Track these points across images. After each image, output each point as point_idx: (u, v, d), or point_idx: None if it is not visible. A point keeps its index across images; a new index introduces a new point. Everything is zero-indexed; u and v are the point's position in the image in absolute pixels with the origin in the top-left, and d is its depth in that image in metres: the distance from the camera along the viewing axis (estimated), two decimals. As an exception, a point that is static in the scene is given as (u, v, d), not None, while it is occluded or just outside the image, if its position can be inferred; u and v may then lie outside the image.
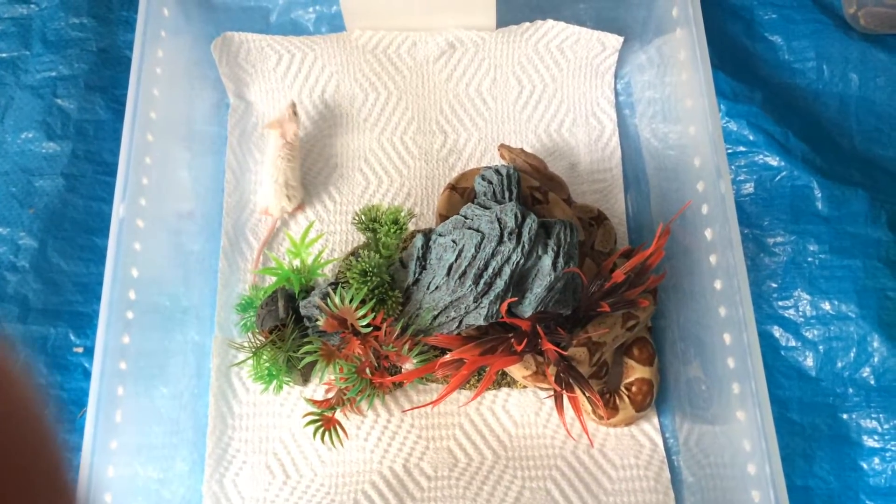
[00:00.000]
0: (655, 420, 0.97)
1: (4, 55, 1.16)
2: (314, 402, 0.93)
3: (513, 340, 0.84)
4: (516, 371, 0.91)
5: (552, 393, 0.88)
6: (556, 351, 0.83)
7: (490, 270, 0.83)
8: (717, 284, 0.81)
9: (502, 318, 0.84)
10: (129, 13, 1.18)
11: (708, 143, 0.84)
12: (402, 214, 0.95)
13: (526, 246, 0.83)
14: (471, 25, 1.10)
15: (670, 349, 0.96)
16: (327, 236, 1.06)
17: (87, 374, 1.01)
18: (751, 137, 1.05)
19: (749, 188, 1.05)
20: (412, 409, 0.97)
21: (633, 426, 0.96)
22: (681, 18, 0.92)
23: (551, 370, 0.85)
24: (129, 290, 0.85)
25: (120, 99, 1.14)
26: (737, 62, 1.12)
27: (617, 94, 1.13)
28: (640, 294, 0.88)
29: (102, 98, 1.14)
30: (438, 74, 1.13)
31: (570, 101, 1.13)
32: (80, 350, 1.02)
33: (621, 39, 1.09)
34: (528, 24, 1.11)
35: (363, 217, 0.95)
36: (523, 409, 0.98)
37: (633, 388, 0.94)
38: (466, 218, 0.88)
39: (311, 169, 1.10)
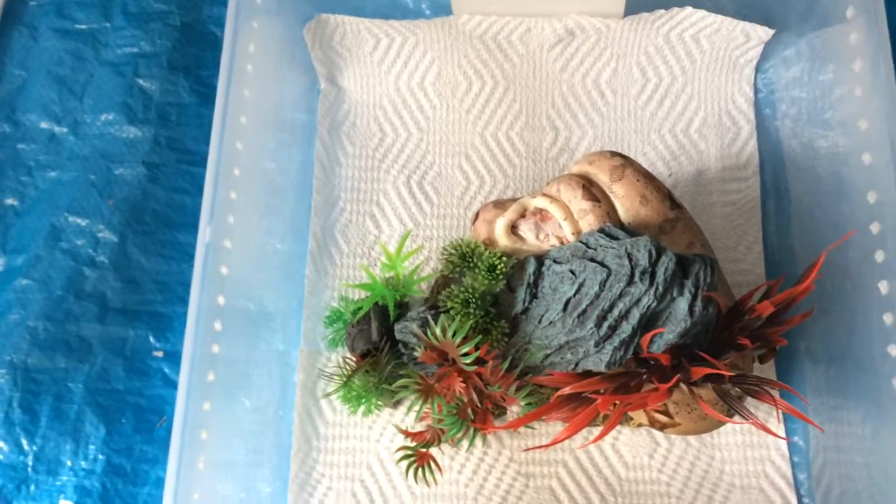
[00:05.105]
0: (789, 474, 0.86)
1: (84, 27, 1.09)
2: (408, 435, 0.85)
3: (648, 376, 0.73)
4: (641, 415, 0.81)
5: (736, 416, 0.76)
6: (716, 378, 0.71)
7: (616, 312, 0.72)
8: (888, 318, 0.69)
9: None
10: (214, -16, 1.09)
11: (888, 146, 0.71)
12: (503, 261, 0.81)
13: (660, 288, 0.71)
14: (595, 11, 0.97)
15: (814, 395, 0.85)
16: (424, 242, 0.97)
17: (166, 381, 0.95)
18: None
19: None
20: (528, 449, 0.87)
21: (762, 479, 0.86)
22: (859, 15, 0.78)
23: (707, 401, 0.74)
24: (218, 295, 0.78)
25: (204, 81, 1.06)
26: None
27: (756, 92, 0.99)
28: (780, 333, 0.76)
29: (186, 79, 1.05)
30: (552, 64, 1.01)
31: (702, 97, 0.99)
32: (160, 354, 0.96)
33: (771, 32, 0.94)
34: (662, 11, 0.97)
35: (453, 253, 0.85)
36: (636, 449, 0.88)
37: None
38: (588, 247, 0.77)
39: (406, 165, 1.00)
